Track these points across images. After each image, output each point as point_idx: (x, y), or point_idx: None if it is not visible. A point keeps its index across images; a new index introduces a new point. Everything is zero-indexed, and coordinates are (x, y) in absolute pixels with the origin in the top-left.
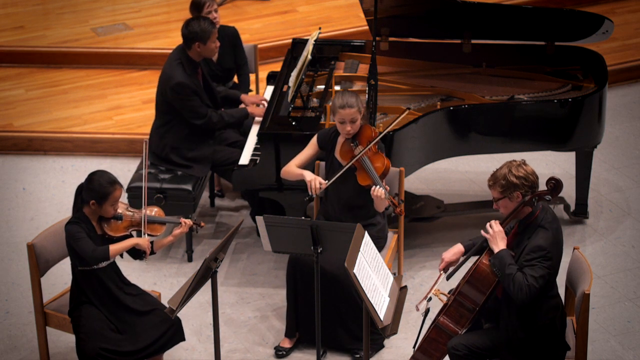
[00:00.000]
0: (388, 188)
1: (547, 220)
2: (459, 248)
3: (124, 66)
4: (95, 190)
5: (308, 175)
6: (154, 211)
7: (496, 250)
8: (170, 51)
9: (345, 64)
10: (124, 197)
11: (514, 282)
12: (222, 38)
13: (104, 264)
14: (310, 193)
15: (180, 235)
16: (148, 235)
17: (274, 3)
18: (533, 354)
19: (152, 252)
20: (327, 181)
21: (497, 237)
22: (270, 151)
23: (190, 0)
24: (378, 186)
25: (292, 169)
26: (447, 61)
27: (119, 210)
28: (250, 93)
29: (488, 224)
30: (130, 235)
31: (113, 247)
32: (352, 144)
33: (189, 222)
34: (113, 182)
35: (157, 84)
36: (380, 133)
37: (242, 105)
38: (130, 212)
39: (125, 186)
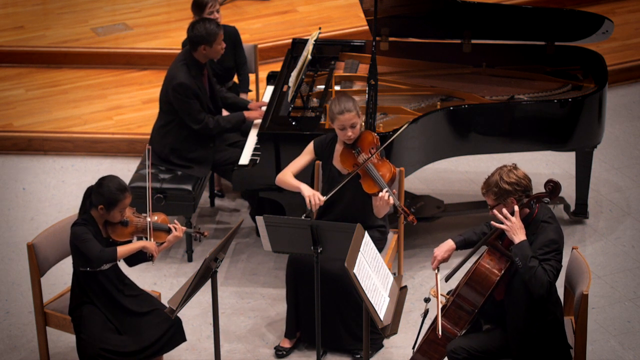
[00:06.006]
0: (395, 191)
1: (548, 215)
2: (449, 245)
3: (124, 66)
4: (105, 196)
5: (306, 191)
6: (157, 218)
7: (517, 240)
8: (171, 51)
9: (345, 64)
10: None
11: (536, 277)
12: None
13: (107, 265)
14: (309, 208)
15: (174, 240)
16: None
17: (274, 3)
18: (545, 349)
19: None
20: (325, 196)
21: (516, 227)
22: (270, 151)
23: (192, 0)
24: (386, 192)
25: (288, 178)
26: (447, 61)
27: (126, 216)
28: (249, 93)
29: (503, 215)
30: (132, 242)
31: (121, 249)
32: (353, 151)
33: (182, 228)
34: (123, 189)
35: (162, 84)
36: (384, 142)
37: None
38: (136, 218)
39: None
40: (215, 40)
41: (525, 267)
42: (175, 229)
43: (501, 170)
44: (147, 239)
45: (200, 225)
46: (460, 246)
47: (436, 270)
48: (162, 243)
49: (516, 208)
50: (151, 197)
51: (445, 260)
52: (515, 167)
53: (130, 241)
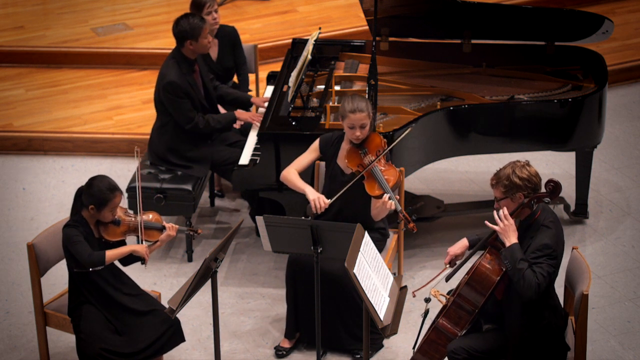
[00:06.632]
0: (398, 197)
1: (549, 220)
2: (464, 242)
3: (124, 66)
4: (95, 195)
5: (311, 194)
6: (150, 216)
7: (508, 243)
8: (170, 51)
9: (345, 64)
10: (124, 198)
11: (524, 278)
12: (221, 37)
13: (99, 267)
14: (314, 211)
15: (167, 240)
16: (145, 241)
17: (274, 3)
18: (538, 353)
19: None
20: (330, 199)
21: (509, 230)
22: (270, 151)
23: (191, 0)
24: (388, 196)
25: (293, 178)
26: (447, 61)
27: (117, 215)
28: (249, 93)
29: (498, 216)
30: (125, 242)
31: (110, 253)
32: (360, 152)
33: (175, 227)
34: (113, 188)
35: (155, 84)
36: (391, 144)
37: (253, 108)
38: (128, 217)
39: (125, 186)
40: (200, 34)
41: (514, 269)
42: (169, 227)
43: (514, 164)
44: (139, 237)
45: (196, 225)
46: (473, 244)
47: (447, 265)
48: (155, 242)
49: (505, 211)
50: (142, 198)
51: (458, 256)
52: (528, 163)
53: (123, 240)
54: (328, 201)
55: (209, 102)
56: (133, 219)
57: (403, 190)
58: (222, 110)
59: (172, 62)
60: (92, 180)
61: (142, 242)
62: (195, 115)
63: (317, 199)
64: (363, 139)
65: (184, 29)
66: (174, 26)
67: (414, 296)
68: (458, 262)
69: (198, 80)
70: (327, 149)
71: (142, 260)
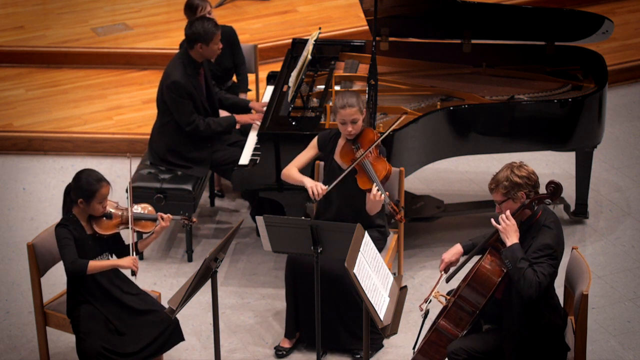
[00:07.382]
0: (388, 193)
1: (550, 220)
2: (457, 249)
3: (124, 66)
4: (83, 188)
5: (308, 182)
6: (147, 209)
7: (509, 243)
8: (170, 51)
9: (345, 64)
10: (124, 197)
11: (524, 277)
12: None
13: (79, 275)
14: (312, 199)
15: (161, 231)
16: (139, 232)
17: (274, 3)
18: (537, 353)
19: (139, 253)
20: (327, 186)
21: (510, 230)
22: (270, 151)
23: (185, 2)
24: (378, 189)
25: (293, 173)
26: (447, 61)
27: (108, 209)
28: (249, 93)
29: (500, 216)
30: (119, 235)
31: (93, 264)
32: (353, 147)
33: (168, 216)
34: (100, 179)
35: (159, 83)
36: (382, 135)
37: (253, 112)
38: (119, 210)
39: (124, 186)
40: (212, 39)
41: (515, 268)
42: (162, 218)
43: (511, 165)
44: (133, 230)
45: (196, 225)
46: (467, 250)
47: (442, 272)
48: (150, 234)
49: (507, 212)
50: (132, 193)
51: (452, 262)
52: (523, 163)
53: (118, 233)
54: (325, 187)
55: (211, 106)
56: (125, 211)
57: (403, 190)
58: (224, 114)
59: (179, 62)
60: (79, 175)
61: (133, 233)
62: (196, 118)
63: (315, 186)
64: (356, 134)
65: (198, 31)
66: (188, 27)
67: (422, 310)
68: (452, 269)
69: (202, 83)
70: (325, 146)
71: (132, 272)
